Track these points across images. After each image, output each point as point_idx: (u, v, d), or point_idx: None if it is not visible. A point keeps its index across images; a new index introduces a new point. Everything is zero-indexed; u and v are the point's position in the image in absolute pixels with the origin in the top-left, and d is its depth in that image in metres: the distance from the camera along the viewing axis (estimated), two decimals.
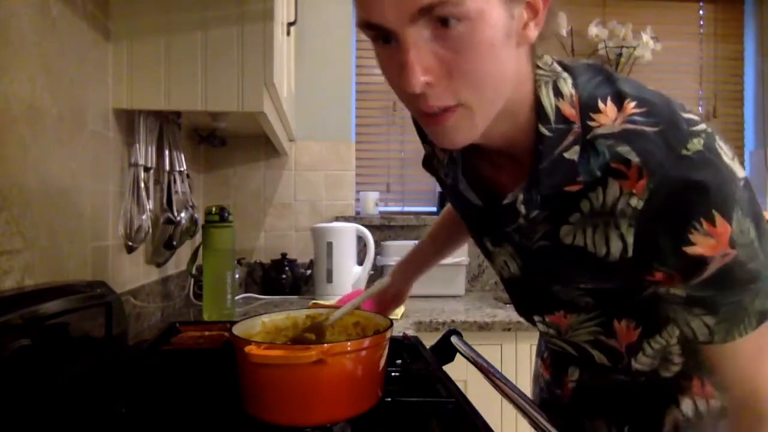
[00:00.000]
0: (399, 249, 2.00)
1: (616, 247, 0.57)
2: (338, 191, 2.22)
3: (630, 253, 0.56)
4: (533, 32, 0.53)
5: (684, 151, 0.52)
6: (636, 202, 0.53)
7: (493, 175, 0.67)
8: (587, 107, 0.56)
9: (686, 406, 0.72)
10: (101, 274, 1.12)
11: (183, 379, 0.81)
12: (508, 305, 1.87)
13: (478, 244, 0.78)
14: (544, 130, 0.57)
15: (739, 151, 2.44)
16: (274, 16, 1.23)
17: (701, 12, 2.43)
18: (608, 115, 0.55)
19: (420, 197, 2.32)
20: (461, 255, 2.01)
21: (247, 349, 0.56)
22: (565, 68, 0.59)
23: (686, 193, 0.51)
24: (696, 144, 0.52)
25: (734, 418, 0.64)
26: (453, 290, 2.03)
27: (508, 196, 0.61)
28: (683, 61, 2.41)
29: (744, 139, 2.46)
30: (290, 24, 1.61)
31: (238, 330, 0.65)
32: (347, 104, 2.24)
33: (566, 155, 0.56)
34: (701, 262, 0.52)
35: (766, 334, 0.58)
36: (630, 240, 0.56)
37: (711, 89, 2.43)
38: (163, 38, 1.20)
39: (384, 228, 2.19)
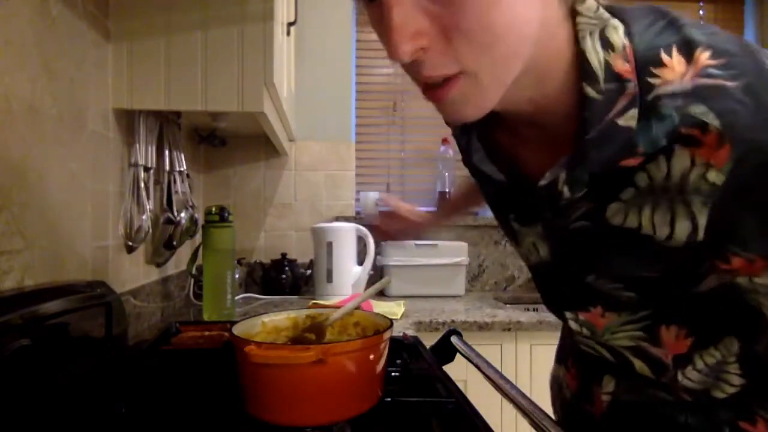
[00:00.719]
0: (399, 249, 2.01)
1: (683, 228, 0.46)
2: (338, 191, 2.22)
3: (701, 235, 0.46)
4: None
5: None
6: (715, 176, 0.43)
7: (513, 147, 0.57)
8: (647, 61, 0.45)
9: None
10: (101, 274, 1.12)
11: (183, 379, 0.81)
12: (508, 305, 1.87)
13: (501, 222, 0.66)
14: (591, 91, 0.45)
15: None
16: (274, 16, 1.23)
17: (701, 12, 2.43)
18: (675, 70, 0.44)
19: (420, 197, 2.31)
20: (461, 255, 2.01)
21: (247, 349, 0.56)
22: (616, 14, 0.47)
23: None
24: None
25: None
26: (453, 290, 2.03)
27: (546, 175, 0.50)
28: None
29: None
30: (290, 24, 1.61)
31: (238, 330, 0.65)
32: (347, 104, 2.24)
33: (620, 122, 0.45)
34: None
35: None
36: (703, 221, 0.45)
37: None
38: (163, 38, 1.20)
39: None
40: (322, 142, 2.21)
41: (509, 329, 1.56)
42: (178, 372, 0.84)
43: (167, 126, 1.42)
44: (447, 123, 0.61)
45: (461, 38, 0.40)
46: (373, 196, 2.20)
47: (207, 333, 1.06)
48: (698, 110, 0.42)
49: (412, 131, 2.29)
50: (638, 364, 0.62)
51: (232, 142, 2.09)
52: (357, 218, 2.16)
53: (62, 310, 0.79)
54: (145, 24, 1.20)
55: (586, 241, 0.54)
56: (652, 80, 0.44)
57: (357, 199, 2.25)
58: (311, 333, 0.71)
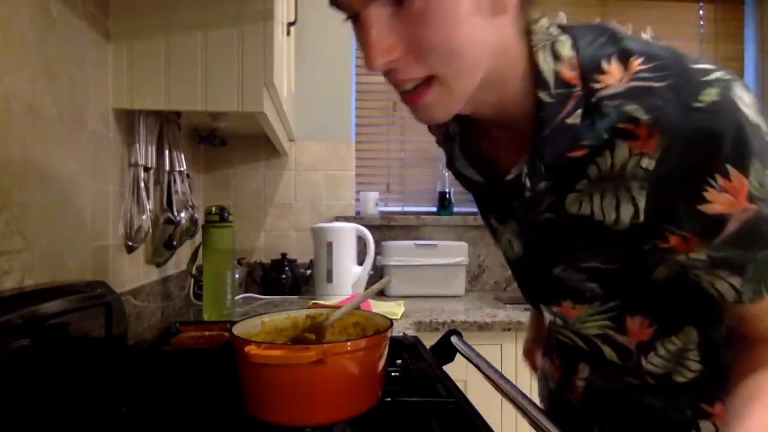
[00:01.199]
0: (399, 249, 2.01)
1: (626, 212, 0.54)
2: (338, 191, 2.22)
3: (641, 218, 0.53)
4: (510, 0, 0.51)
5: (696, 104, 0.48)
6: (647, 163, 0.50)
7: (491, 150, 0.64)
8: (590, 69, 0.53)
9: (707, 429, 0.66)
10: (101, 274, 1.12)
11: (183, 379, 0.81)
12: (508, 305, 1.87)
13: (485, 221, 0.75)
14: (543, 96, 0.54)
15: None
16: (274, 16, 1.23)
17: (701, 12, 2.43)
18: (614, 75, 0.52)
19: (420, 197, 2.32)
20: (461, 255, 2.01)
21: (247, 349, 0.56)
22: (565, 31, 0.56)
23: (699, 148, 0.48)
24: (710, 94, 0.48)
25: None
26: (453, 290, 2.03)
27: (512, 170, 0.58)
28: None
29: None
30: (290, 24, 1.61)
31: (238, 330, 0.65)
32: (347, 104, 2.24)
33: (568, 121, 0.53)
34: (719, 220, 0.50)
35: None
36: (642, 204, 0.52)
37: None
38: (163, 38, 1.20)
39: (384, 228, 2.19)
40: (322, 142, 2.21)
41: (509, 329, 1.56)
42: (178, 372, 0.84)
43: (167, 126, 1.42)
44: (427, 125, 0.70)
45: (428, 51, 0.48)
46: (373, 196, 2.21)
47: (207, 333, 1.06)
48: (631, 108, 0.50)
49: (412, 131, 2.29)
50: (607, 351, 0.69)
51: (232, 142, 2.09)
52: (357, 218, 2.17)
53: (62, 310, 0.79)
54: (145, 24, 1.20)
55: (552, 232, 0.61)
56: (595, 85, 0.52)
57: (357, 199, 2.25)
58: (311, 333, 0.71)
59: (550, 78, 0.54)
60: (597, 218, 0.56)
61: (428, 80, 0.51)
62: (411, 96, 0.52)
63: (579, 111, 0.53)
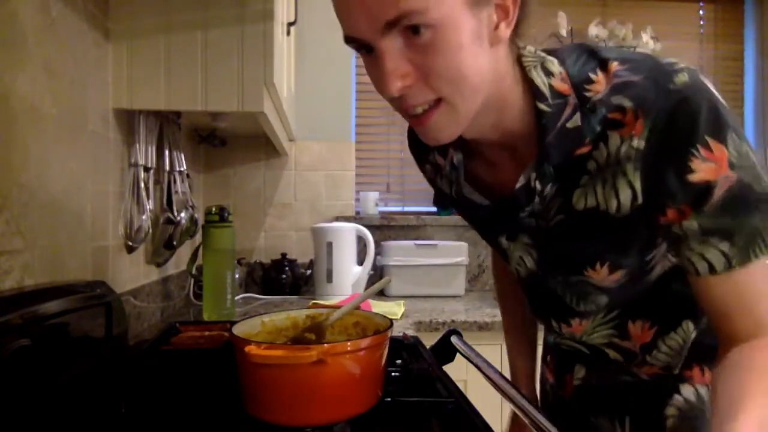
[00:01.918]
0: (399, 249, 2.01)
1: (625, 195, 0.59)
2: (338, 191, 2.22)
3: (640, 199, 0.59)
4: (505, 32, 0.57)
5: (671, 86, 0.55)
6: (637, 143, 0.56)
7: (492, 176, 0.70)
8: (580, 82, 0.60)
9: (687, 392, 0.73)
10: (101, 274, 1.12)
11: (183, 379, 0.81)
12: None
13: (494, 245, 0.78)
14: (542, 106, 0.60)
15: None
16: (274, 16, 1.23)
17: (701, 12, 2.43)
18: (601, 83, 0.59)
19: (420, 197, 2.32)
20: (461, 255, 2.01)
21: (247, 349, 0.56)
22: (550, 53, 0.63)
23: (679, 123, 0.54)
24: (681, 78, 0.55)
25: (749, 351, 0.58)
26: (453, 290, 2.03)
27: (520, 178, 0.64)
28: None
29: None
30: (290, 24, 1.61)
31: (238, 330, 0.65)
32: (347, 104, 2.24)
33: (569, 125, 0.60)
34: (706, 188, 0.54)
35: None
36: (638, 185, 0.58)
37: None
38: (163, 38, 1.20)
39: (384, 228, 2.19)
40: (322, 142, 2.21)
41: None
42: (178, 372, 0.84)
43: (167, 126, 1.42)
44: (440, 157, 0.76)
45: (437, 77, 0.54)
46: (373, 196, 2.21)
47: (207, 333, 1.06)
48: (616, 99, 0.58)
49: None
50: (612, 354, 0.76)
51: (232, 142, 2.09)
52: (357, 218, 2.17)
53: (62, 310, 0.79)
54: (145, 24, 1.20)
55: (564, 235, 0.66)
56: (587, 94, 0.60)
57: (357, 199, 2.25)
58: (311, 333, 0.71)
59: (546, 90, 0.61)
60: (602, 208, 0.61)
61: (436, 103, 0.56)
62: (420, 118, 0.57)
63: (577, 115, 0.60)
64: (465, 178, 0.72)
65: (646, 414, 0.76)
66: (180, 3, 1.20)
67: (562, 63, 0.62)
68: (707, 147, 0.54)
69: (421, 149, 0.82)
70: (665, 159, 0.56)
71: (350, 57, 2.23)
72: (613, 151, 0.58)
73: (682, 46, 2.41)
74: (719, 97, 0.56)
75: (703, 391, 0.73)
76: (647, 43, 2.23)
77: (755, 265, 0.57)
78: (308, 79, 2.17)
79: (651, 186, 0.58)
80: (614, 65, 0.59)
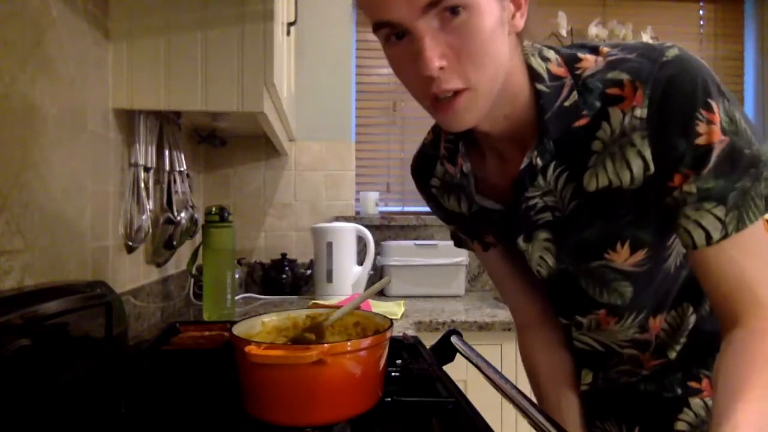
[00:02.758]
0: (399, 249, 2.01)
1: (637, 166, 0.60)
2: (338, 191, 2.22)
3: (651, 167, 0.60)
4: (520, 22, 0.60)
5: (664, 59, 0.58)
6: (641, 112, 0.58)
7: (503, 173, 0.71)
8: (571, 61, 0.64)
9: (697, 406, 0.74)
10: (101, 274, 1.12)
11: (183, 379, 0.81)
12: None
13: (511, 249, 0.78)
14: (541, 87, 0.63)
15: None
16: (274, 16, 1.23)
17: (701, 12, 2.43)
18: (589, 61, 0.63)
19: (420, 197, 2.31)
20: (461, 255, 2.01)
21: (247, 349, 0.56)
22: (545, 46, 0.67)
23: (682, 91, 0.57)
24: (672, 52, 0.59)
25: (748, 325, 0.58)
26: (453, 290, 2.03)
27: (524, 159, 0.65)
28: None
29: None
30: (290, 24, 1.61)
31: (238, 330, 0.65)
32: (347, 104, 2.24)
33: (566, 104, 0.62)
34: (707, 150, 0.56)
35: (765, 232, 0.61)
36: (647, 153, 0.59)
37: None
38: (163, 38, 1.20)
39: (384, 228, 2.19)
40: (322, 142, 2.21)
41: (509, 329, 1.56)
42: (178, 372, 0.84)
43: (167, 126, 1.42)
44: (448, 132, 0.76)
45: (469, 60, 0.56)
46: (373, 196, 2.21)
47: (207, 333, 1.06)
48: (612, 74, 0.60)
49: (412, 131, 2.29)
50: (628, 352, 0.77)
51: (232, 142, 2.09)
52: (357, 218, 2.17)
53: (62, 310, 0.79)
54: (145, 24, 1.20)
55: (581, 220, 0.67)
56: (577, 72, 0.63)
57: (357, 199, 2.25)
58: (311, 333, 0.71)
59: (543, 73, 0.64)
60: (615, 185, 0.63)
61: (461, 91, 0.58)
62: (448, 103, 0.58)
63: (573, 93, 0.62)
64: (476, 187, 0.74)
65: (656, 427, 0.76)
66: (180, 3, 1.20)
67: (557, 51, 0.65)
68: (709, 109, 0.56)
69: (426, 171, 0.84)
70: (672, 124, 0.57)
71: (350, 57, 2.23)
72: (617, 126, 0.60)
73: (682, 46, 2.41)
74: (709, 67, 0.59)
75: (711, 403, 0.73)
76: None
77: (750, 232, 0.59)
78: (308, 79, 2.17)
79: (661, 152, 0.59)
80: (606, 49, 0.63)
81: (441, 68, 0.55)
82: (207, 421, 0.67)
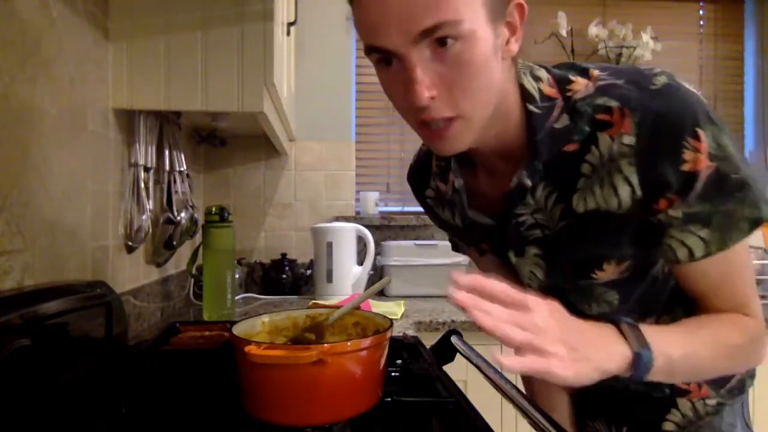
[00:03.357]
0: (399, 249, 2.01)
1: (624, 192, 0.61)
2: (338, 191, 2.22)
3: (639, 192, 0.61)
4: (515, 47, 0.60)
5: (653, 86, 0.59)
6: (629, 140, 0.59)
7: (494, 187, 0.71)
8: (562, 83, 0.64)
9: (684, 407, 0.76)
10: (101, 274, 1.12)
11: (183, 379, 0.81)
12: None
13: (503, 262, 0.79)
14: (532, 107, 0.63)
15: None
16: (274, 16, 1.23)
17: (701, 12, 2.43)
18: (580, 84, 0.63)
19: None
20: (461, 255, 2.01)
21: (247, 349, 0.56)
22: (537, 65, 0.68)
23: (670, 119, 0.57)
24: (661, 79, 0.60)
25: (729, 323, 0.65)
26: None
27: (513, 179, 0.66)
28: (683, 61, 2.41)
29: (744, 139, 2.46)
30: (290, 24, 1.61)
31: (238, 330, 0.65)
32: (347, 104, 2.24)
33: (556, 126, 0.63)
34: (693, 177, 0.58)
35: (746, 249, 0.64)
36: (635, 179, 0.60)
37: (711, 89, 2.43)
38: (163, 38, 1.20)
39: (384, 228, 2.19)
40: (322, 142, 2.21)
41: None
42: (178, 372, 0.84)
43: (167, 126, 1.42)
44: (441, 183, 0.79)
45: (460, 91, 0.56)
46: (373, 196, 2.21)
47: (207, 333, 1.06)
48: (602, 100, 0.61)
49: (411, 131, 2.27)
50: None
51: (232, 142, 2.09)
52: (357, 218, 2.17)
53: (62, 310, 0.79)
54: (145, 24, 1.20)
55: (569, 240, 0.67)
56: (568, 94, 0.63)
57: (357, 199, 2.25)
58: (311, 333, 0.71)
59: (535, 94, 0.64)
60: (603, 208, 0.63)
61: (452, 118, 0.58)
62: (437, 132, 0.59)
63: (564, 116, 0.63)
64: (469, 200, 0.75)
65: (644, 427, 0.78)
66: (180, 3, 1.20)
67: (548, 71, 0.66)
68: (696, 138, 0.57)
69: (421, 181, 0.85)
70: (660, 152, 0.58)
71: (350, 57, 2.23)
72: (606, 152, 0.61)
73: (682, 46, 2.41)
74: (698, 93, 0.60)
75: (700, 406, 0.75)
76: (647, 43, 2.23)
77: (732, 251, 0.61)
78: (308, 79, 2.17)
79: (648, 179, 0.60)
80: (596, 72, 0.63)
81: (432, 98, 0.55)
82: (207, 421, 0.67)
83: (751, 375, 0.79)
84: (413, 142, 2.30)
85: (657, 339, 0.58)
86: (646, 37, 2.24)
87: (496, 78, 0.59)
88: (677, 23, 2.40)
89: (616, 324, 0.58)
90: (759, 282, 1.82)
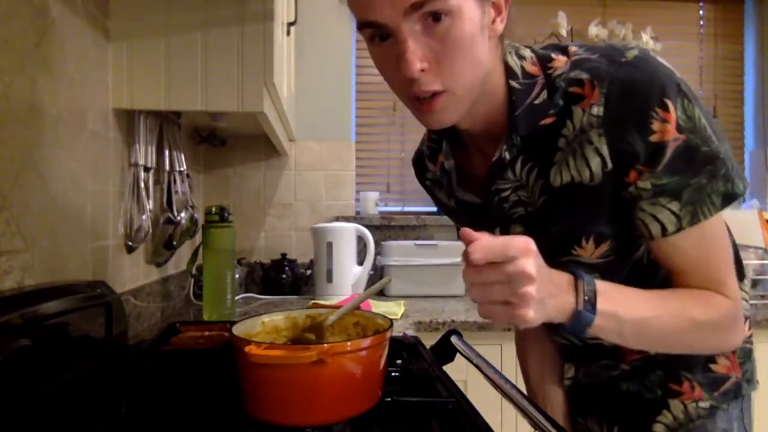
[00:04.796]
0: (399, 249, 2.01)
1: (595, 163, 0.63)
2: (338, 191, 2.22)
3: (609, 164, 0.62)
4: (500, 26, 0.63)
5: (623, 59, 0.61)
6: (597, 110, 0.61)
7: (482, 174, 0.73)
8: (544, 61, 0.66)
9: (676, 408, 0.75)
10: (101, 274, 1.12)
11: (183, 379, 0.81)
12: None
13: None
14: (514, 83, 0.66)
15: (739, 151, 2.44)
16: (274, 16, 1.23)
17: (701, 12, 2.43)
18: (560, 61, 0.65)
19: (420, 197, 2.31)
20: (461, 255, 2.01)
21: (247, 349, 0.56)
22: (522, 46, 0.70)
23: (637, 89, 0.59)
24: (633, 52, 0.61)
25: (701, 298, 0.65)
26: (453, 290, 2.03)
27: (495, 154, 0.68)
28: (683, 61, 2.41)
29: (744, 139, 2.46)
30: (290, 24, 1.61)
31: (238, 330, 0.65)
32: (347, 104, 2.24)
33: (536, 102, 0.65)
34: (661, 147, 0.59)
35: (722, 223, 0.65)
36: (605, 150, 0.62)
37: (711, 89, 2.43)
38: (163, 38, 1.20)
39: (384, 228, 2.19)
40: (322, 142, 2.21)
41: (509, 329, 1.56)
42: (178, 372, 0.84)
43: (167, 126, 1.42)
44: (432, 164, 0.81)
45: (447, 65, 0.59)
46: (373, 196, 2.21)
47: (207, 333, 1.05)
48: (574, 73, 0.63)
49: (412, 131, 2.29)
50: (606, 344, 0.76)
51: (232, 142, 2.09)
52: (357, 218, 2.17)
53: (62, 310, 0.79)
54: (145, 24, 1.20)
55: (549, 215, 0.69)
56: (549, 72, 0.65)
57: (357, 199, 2.25)
58: (311, 333, 0.71)
59: (518, 70, 0.66)
60: (576, 180, 0.65)
61: (439, 92, 0.60)
62: (427, 104, 0.61)
63: (543, 93, 0.65)
64: (460, 180, 0.76)
65: (635, 427, 0.78)
66: (180, 3, 1.20)
67: (533, 51, 0.68)
68: (665, 108, 0.58)
69: (421, 166, 0.87)
70: (627, 122, 0.60)
71: (350, 57, 2.23)
72: (578, 123, 0.63)
73: (682, 46, 2.41)
74: (671, 67, 0.61)
75: (692, 408, 0.75)
76: (647, 43, 2.23)
77: (705, 226, 0.62)
78: (308, 79, 2.17)
79: (617, 149, 0.61)
80: (573, 49, 0.65)
81: (422, 70, 0.57)
82: (207, 421, 0.67)
83: (748, 379, 0.78)
84: (413, 142, 2.30)
85: (611, 297, 0.59)
86: (646, 37, 2.24)
87: (483, 55, 0.61)
88: (677, 23, 2.40)
89: (576, 277, 0.59)
90: (759, 282, 1.82)
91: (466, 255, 0.54)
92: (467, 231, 0.55)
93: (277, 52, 1.28)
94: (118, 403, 0.70)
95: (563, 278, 0.59)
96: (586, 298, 0.57)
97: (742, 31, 2.45)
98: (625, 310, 0.59)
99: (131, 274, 1.31)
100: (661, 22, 2.34)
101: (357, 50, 2.28)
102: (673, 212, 0.61)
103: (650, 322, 0.61)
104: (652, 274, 0.71)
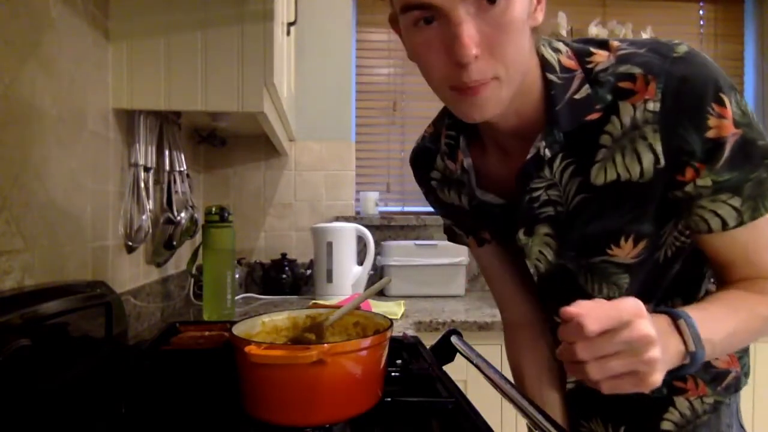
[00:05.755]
0: (399, 249, 2.01)
1: (648, 160, 0.61)
2: (338, 191, 2.22)
3: (662, 161, 0.61)
4: (540, 16, 0.61)
5: (674, 54, 0.59)
6: (653, 106, 0.59)
7: (504, 167, 0.71)
8: (582, 55, 0.64)
9: (682, 405, 0.75)
10: (101, 274, 1.12)
11: (183, 379, 0.81)
12: None
13: (510, 245, 0.78)
14: (552, 77, 0.63)
15: None
16: (274, 16, 1.23)
17: (701, 12, 2.43)
18: (601, 56, 0.63)
19: (420, 197, 2.30)
20: (461, 255, 2.01)
21: (247, 349, 0.56)
22: (555, 39, 0.68)
23: (693, 85, 0.58)
24: (681, 49, 0.60)
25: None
26: (453, 290, 2.03)
27: (531, 149, 0.65)
28: None
29: None
30: (290, 24, 1.61)
31: (238, 330, 0.65)
32: (347, 104, 2.24)
33: (577, 96, 0.62)
34: (720, 144, 0.58)
35: None
36: (659, 146, 0.60)
37: None
38: (163, 38, 1.20)
39: (384, 228, 2.19)
40: (322, 142, 2.21)
41: None
42: (178, 372, 0.84)
43: (167, 126, 1.42)
44: (450, 161, 0.77)
45: (500, 52, 0.56)
46: (373, 196, 2.21)
47: (207, 333, 1.05)
48: (624, 68, 0.61)
49: (412, 131, 2.29)
50: None
51: (232, 142, 2.09)
52: (357, 218, 2.17)
53: (62, 310, 0.79)
54: (145, 24, 1.20)
55: (586, 215, 0.66)
56: (589, 66, 0.63)
57: (357, 199, 2.25)
58: (311, 333, 0.71)
59: (555, 64, 0.64)
60: (624, 178, 0.63)
61: (488, 81, 0.57)
62: (472, 91, 0.57)
63: (585, 87, 0.62)
64: (478, 179, 0.74)
65: (642, 427, 0.77)
66: (180, 3, 1.20)
67: (567, 44, 0.66)
68: (721, 104, 0.57)
69: (425, 163, 0.84)
70: (683, 118, 0.58)
71: (350, 57, 2.23)
72: (628, 120, 0.61)
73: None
74: (717, 64, 0.60)
75: (697, 404, 0.75)
76: None
77: (764, 219, 0.61)
78: (308, 79, 2.17)
79: (672, 146, 0.60)
80: (616, 44, 0.63)
81: (476, 56, 0.54)
82: (207, 421, 0.67)
83: (745, 373, 0.78)
84: (413, 142, 2.29)
85: (704, 328, 0.56)
86: (645, 37, 2.24)
87: (527, 44, 0.59)
88: (677, 23, 2.40)
89: (673, 317, 0.56)
90: None
91: (571, 330, 0.49)
92: (568, 309, 0.50)
93: (277, 52, 1.28)
94: (118, 403, 0.70)
95: (663, 322, 0.56)
96: (695, 339, 0.55)
97: (742, 31, 2.45)
98: (713, 333, 0.57)
99: (131, 274, 1.31)
100: (661, 22, 2.34)
101: (357, 50, 2.28)
102: (734, 207, 0.60)
103: (733, 335, 0.61)
104: (665, 272, 0.71)
